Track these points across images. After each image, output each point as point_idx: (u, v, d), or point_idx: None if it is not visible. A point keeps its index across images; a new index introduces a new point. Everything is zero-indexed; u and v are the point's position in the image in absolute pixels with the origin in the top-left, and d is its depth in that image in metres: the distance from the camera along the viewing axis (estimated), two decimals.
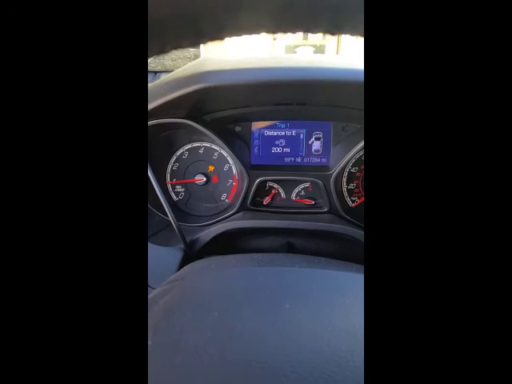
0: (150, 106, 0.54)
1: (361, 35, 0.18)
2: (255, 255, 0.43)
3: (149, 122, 0.59)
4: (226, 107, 0.61)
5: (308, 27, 0.18)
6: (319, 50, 2.55)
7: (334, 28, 0.17)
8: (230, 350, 0.24)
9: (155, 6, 0.16)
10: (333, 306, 0.30)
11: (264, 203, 0.68)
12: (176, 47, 0.18)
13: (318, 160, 0.68)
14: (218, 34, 0.18)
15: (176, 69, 0.71)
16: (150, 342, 0.26)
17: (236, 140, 0.67)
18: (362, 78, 0.50)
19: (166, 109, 0.55)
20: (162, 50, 0.18)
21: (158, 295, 0.34)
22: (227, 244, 0.66)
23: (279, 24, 0.17)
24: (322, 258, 0.42)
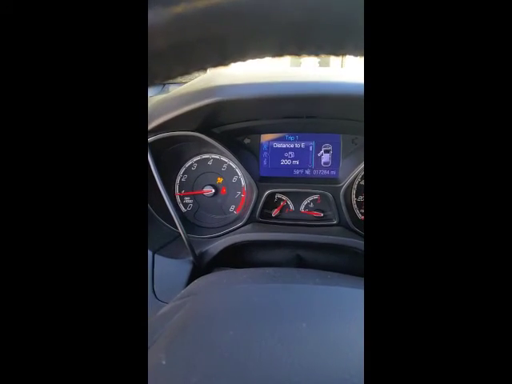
0: (162, 119, 0.54)
1: None
2: (266, 270, 0.42)
3: (160, 135, 0.59)
4: (236, 120, 0.62)
5: (330, 50, 0.18)
6: (324, 61, 2.57)
7: (359, 51, 0.17)
8: (245, 369, 0.24)
9: (182, 30, 0.16)
10: (347, 324, 0.29)
11: (272, 215, 0.68)
12: (200, 69, 0.18)
13: (327, 172, 0.68)
14: (241, 57, 0.18)
15: (184, 80, 0.72)
16: (163, 362, 0.25)
17: (245, 152, 0.68)
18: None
19: (177, 122, 0.55)
20: (187, 72, 0.18)
21: (171, 311, 0.33)
22: (236, 256, 0.65)
23: (301, 47, 0.17)
24: (335, 274, 0.42)
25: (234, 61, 0.18)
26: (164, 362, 0.25)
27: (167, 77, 0.19)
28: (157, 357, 0.26)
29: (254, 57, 0.18)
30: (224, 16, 0.15)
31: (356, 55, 0.18)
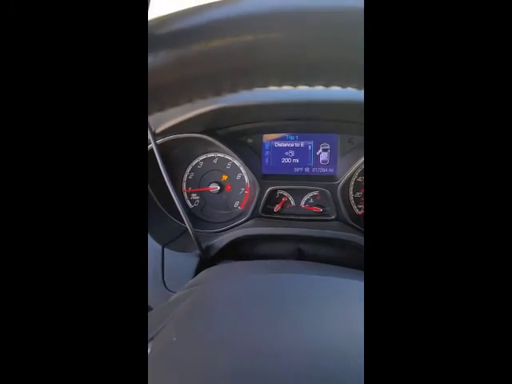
0: (170, 123, 0.58)
1: (357, 88, 0.21)
2: (268, 262, 0.46)
3: (169, 137, 0.63)
4: (239, 123, 0.66)
5: (308, 83, 0.21)
6: None
7: (336, 83, 0.21)
8: (246, 344, 0.27)
9: (183, 68, 0.20)
10: (348, 314, 0.31)
11: (275, 210, 0.72)
12: (200, 99, 0.22)
13: (326, 170, 0.71)
14: (233, 89, 0.22)
15: None
16: (174, 339, 0.29)
17: (248, 151, 0.71)
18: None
19: (184, 125, 0.59)
20: (190, 101, 0.22)
21: (180, 298, 0.37)
22: (240, 250, 0.69)
23: (282, 82, 0.21)
24: (333, 266, 0.45)
25: (227, 93, 0.22)
26: (175, 339, 0.29)
27: (175, 104, 0.23)
28: (168, 335, 0.30)
29: (243, 89, 0.22)
30: (216, 60, 0.19)
31: (328, 86, 0.22)
